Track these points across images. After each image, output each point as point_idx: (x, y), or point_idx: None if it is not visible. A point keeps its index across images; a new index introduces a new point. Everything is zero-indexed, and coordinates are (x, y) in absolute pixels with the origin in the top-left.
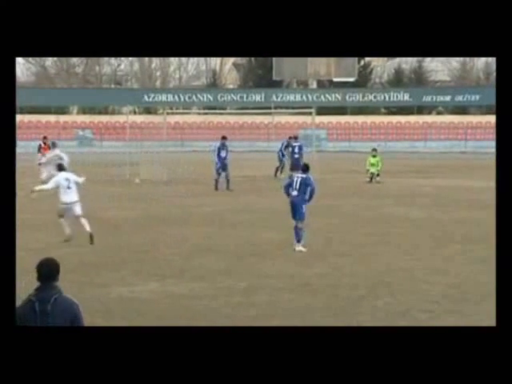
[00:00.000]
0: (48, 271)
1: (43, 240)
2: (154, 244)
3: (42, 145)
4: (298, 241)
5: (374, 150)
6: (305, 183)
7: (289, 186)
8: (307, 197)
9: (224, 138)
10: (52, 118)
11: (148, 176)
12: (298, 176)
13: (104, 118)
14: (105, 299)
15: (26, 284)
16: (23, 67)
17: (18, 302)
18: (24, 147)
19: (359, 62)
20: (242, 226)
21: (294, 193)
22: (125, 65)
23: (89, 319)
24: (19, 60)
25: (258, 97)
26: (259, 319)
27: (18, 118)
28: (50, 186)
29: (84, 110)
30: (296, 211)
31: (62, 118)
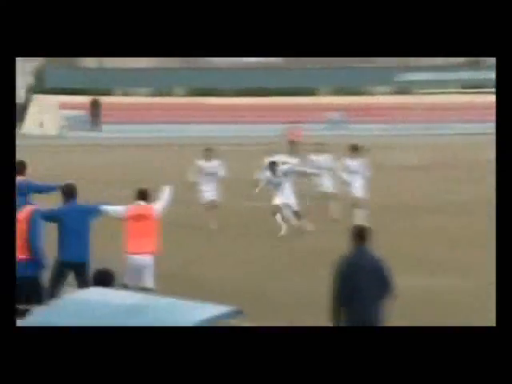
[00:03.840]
0: (361, 235)
1: None
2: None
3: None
4: None
5: None
6: None
7: None
8: None
9: None
10: (303, 100)
11: (399, 160)
12: None
13: (355, 100)
14: None
15: None
16: None
17: None
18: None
19: None
20: None
21: None
22: None
23: None
24: None
25: None
26: None
27: (267, 100)
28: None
29: (335, 91)
30: None
31: (310, 100)
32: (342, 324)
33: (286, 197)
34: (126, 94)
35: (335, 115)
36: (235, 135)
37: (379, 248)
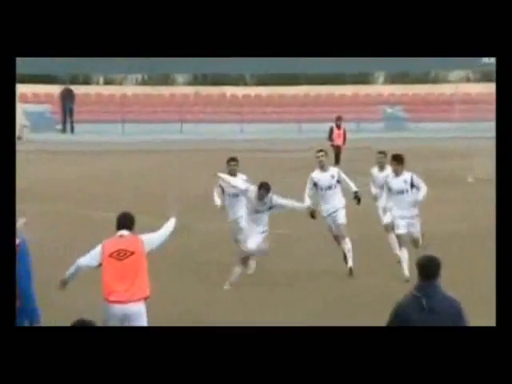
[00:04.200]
0: (431, 268)
1: None
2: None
3: (335, 128)
4: None
5: None
6: None
7: None
8: None
9: None
10: (349, 89)
11: (486, 172)
12: None
13: (422, 89)
14: None
15: None
16: None
17: None
18: (314, 131)
19: None
20: None
21: None
22: None
23: None
24: None
25: None
26: None
27: (305, 89)
28: None
29: (393, 79)
30: None
31: (362, 90)
32: None
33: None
34: (109, 83)
35: (395, 109)
36: (256, 138)
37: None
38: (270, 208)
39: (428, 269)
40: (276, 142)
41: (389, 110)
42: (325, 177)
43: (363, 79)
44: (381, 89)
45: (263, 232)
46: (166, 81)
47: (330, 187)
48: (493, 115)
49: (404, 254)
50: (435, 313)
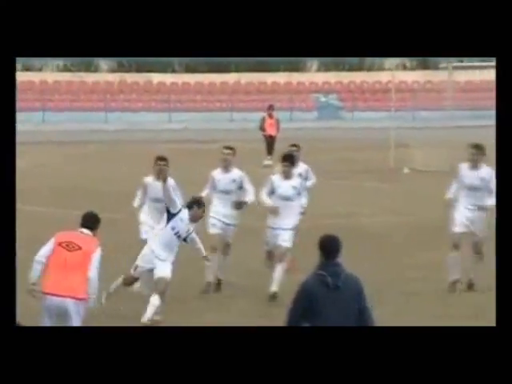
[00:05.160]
0: (332, 247)
1: None
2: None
3: (267, 118)
4: None
5: None
6: None
7: None
8: None
9: None
10: (282, 77)
11: (423, 164)
12: None
13: (357, 77)
14: None
15: None
16: None
17: None
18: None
19: None
20: None
21: None
22: None
23: None
24: None
25: None
26: None
27: (235, 76)
28: None
29: (327, 66)
30: None
31: (295, 78)
32: None
33: None
34: (27, 69)
35: (329, 98)
36: (184, 127)
37: None
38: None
39: (330, 248)
40: (206, 132)
41: (322, 99)
42: (225, 179)
43: (296, 66)
44: (314, 76)
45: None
46: (89, 67)
47: (227, 192)
48: (430, 104)
49: None
50: (340, 290)
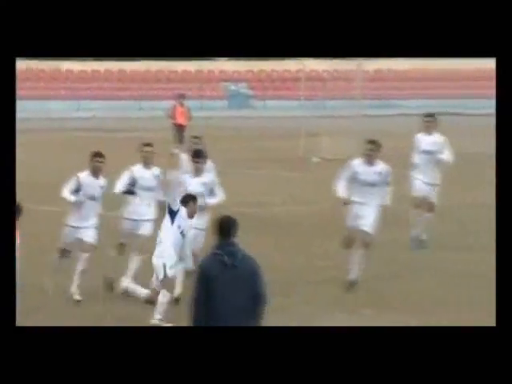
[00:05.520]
0: (228, 227)
1: None
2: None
3: (178, 106)
4: None
5: None
6: None
7: None
8: None
9: None
10: (192, 65)
11: (332, 153)
12: None
13: (267, 66)
14: None
15: None
16: None
17: None
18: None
19: None
20: None
21: None
22: None
23: None
24: None
25: None
26: None
27: (145, 64)
28: None
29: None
30: None
31: (205, 66)
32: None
33: None
34: None
35: (239, 86)
36: (93, 115)
37: None
38: None
39: (226, 228)
40: (114, 121)
41: (232, 87)
42: (147, 174)
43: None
44: (225, 65)
45: None
46: None
47: (149, 188)
48: (339, 93)
49: None
50: (237, 269)
